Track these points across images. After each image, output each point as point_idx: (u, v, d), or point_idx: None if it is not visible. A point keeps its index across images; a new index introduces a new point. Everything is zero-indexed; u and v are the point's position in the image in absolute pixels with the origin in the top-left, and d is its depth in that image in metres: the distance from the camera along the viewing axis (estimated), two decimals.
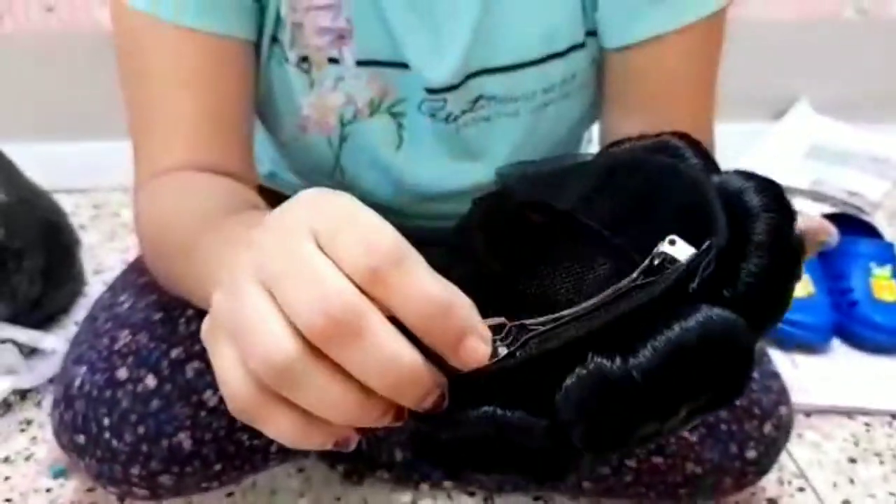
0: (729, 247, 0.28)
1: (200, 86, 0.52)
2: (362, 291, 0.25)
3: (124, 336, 0.52)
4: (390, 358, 0.25)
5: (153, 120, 0.53)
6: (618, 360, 0.26)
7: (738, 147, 1.34)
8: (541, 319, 0.28)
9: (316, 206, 0.27)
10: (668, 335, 0.26)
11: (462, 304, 0.26)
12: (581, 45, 0.56)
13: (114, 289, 0.59)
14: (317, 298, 0.25)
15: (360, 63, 0.55)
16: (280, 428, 0.27)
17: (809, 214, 0.69)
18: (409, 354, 0.26)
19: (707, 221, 0.28)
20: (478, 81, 0.55)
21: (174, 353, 0.52)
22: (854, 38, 1.38)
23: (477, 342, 0.26)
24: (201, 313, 0.50)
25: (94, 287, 0.97)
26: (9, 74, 1.22)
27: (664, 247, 0.28)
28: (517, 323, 0.28)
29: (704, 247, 0.28)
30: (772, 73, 1.41)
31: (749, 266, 0.28)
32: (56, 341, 0.81)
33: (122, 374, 0.50)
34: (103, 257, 1.04)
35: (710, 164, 0.32)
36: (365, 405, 0.26)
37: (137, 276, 0.58)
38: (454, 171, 0.60)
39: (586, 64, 0.58)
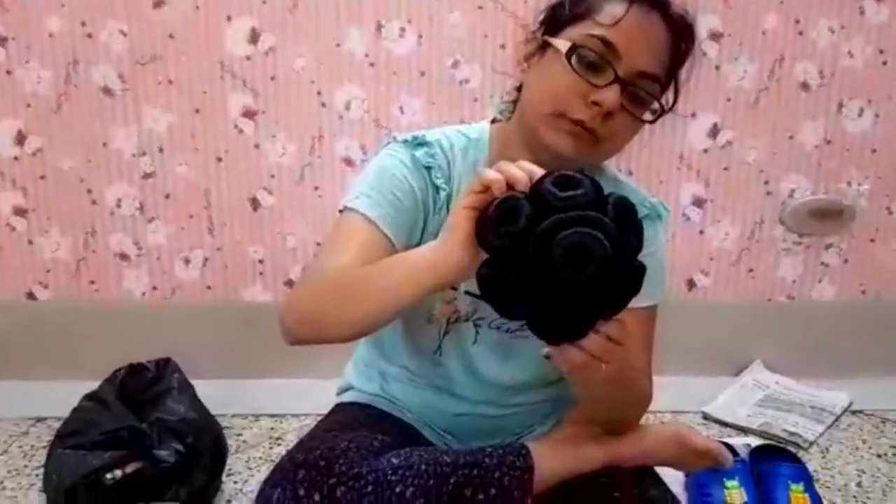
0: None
1: (361, 250, 0.87)
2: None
3: (301, 472, 0.83)
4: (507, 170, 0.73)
5: (334, 247, 0.87)
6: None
7: (706, 395, 1.73)
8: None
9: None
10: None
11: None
12: None
13: (291, 454, 0.90)
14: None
15: (467, 293, 0.96)
16: None
17: (714, 440, 1.04)
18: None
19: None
20: None
21: (331, 481, 0.82)
22: (791, 316, 1.83)
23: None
24: (347, 460, 0.84)
25: (227, 485, 1.35)
26: (173, 331, 1.71)
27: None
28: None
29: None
30: (732, 340, 1.84)
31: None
32: None
33: (301, 492, 0.82)
34: (232, 463, 1.42)
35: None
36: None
37: (311, 443, 0.90)
38: (502, 368, 0.99)
39: None
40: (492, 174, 0.73)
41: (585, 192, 0.68)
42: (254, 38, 1.61)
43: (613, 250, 0.65)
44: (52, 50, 1.60)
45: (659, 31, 0.86)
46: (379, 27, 1.62)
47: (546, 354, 0.77)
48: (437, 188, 0.93)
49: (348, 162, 1.69)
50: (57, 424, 1.36)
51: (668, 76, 0.89)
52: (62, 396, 1.40)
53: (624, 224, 0.68)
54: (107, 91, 1.62)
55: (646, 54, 0.85)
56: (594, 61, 0.84)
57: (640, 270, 0.70)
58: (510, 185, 0.72)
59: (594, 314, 0.70)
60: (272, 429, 1.57)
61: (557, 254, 0.65)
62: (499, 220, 0.69)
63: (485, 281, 0.70)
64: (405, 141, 0.94)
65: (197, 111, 1.64)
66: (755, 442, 1.49)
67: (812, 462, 1.45)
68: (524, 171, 0.72)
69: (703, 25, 1.65)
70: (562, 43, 0.85)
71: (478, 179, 0.73)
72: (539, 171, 0.72)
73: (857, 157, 1.75)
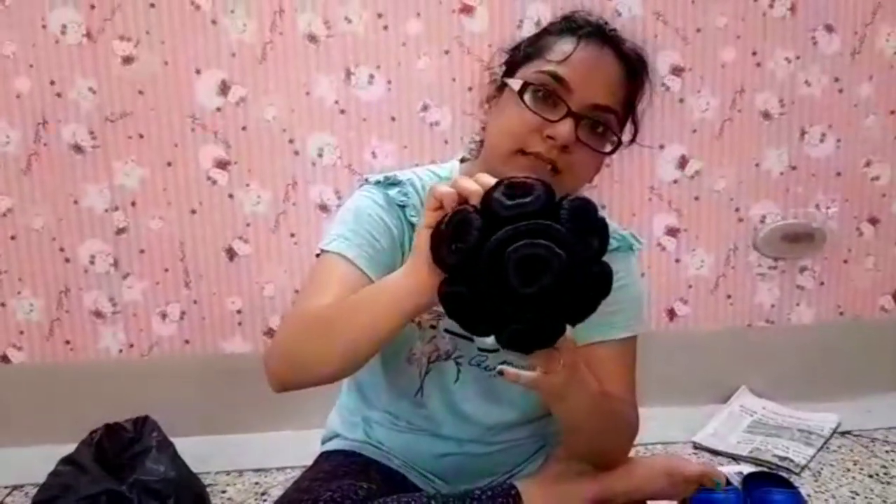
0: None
1: (341, 289, 0.86)
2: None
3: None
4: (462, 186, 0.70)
5: (314, 288, 0.88)
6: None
7: (695, 424, 1.72)
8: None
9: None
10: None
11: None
12: None
13: None
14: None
15: (447, 331, 0.95)
16: None
17: (709, 463, 1.04)
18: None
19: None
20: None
21: None
22: (772, 340, 1.84)
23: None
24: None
25: None
26: (152, 388, 1.68)
27: None
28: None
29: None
30: (717, 367, 1.85)
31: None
32: None
33: None
34: None
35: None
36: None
37: (295, 496, 0.90)
38: (486, 405, 0.98)
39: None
40: (443, 188, 0.72)
41: (536, 198, 0.66)
42: (224, 89, 1.62)
43: (569, 257, 0.64)
44: (20, 110, 1.59)
45: (611, 65, 0.88)
46: (348, 75, 1.64)
47: (499, 371, 0.77)
48: (412, 226, 0.94)
49: (323, 208, 1.69)
50: (34, 491, 1.31)
51: (625, 109, 0.90)
52: (39, 462, 1.35)
53: (581, 227, 0.66)
54: (77, 148, 1.61)
55: (598, 87, 0.86)
56: (546, 97, 0.86)
57: (605, 273, 0.68)
58: (464, 200, 0.71)
59: (559, 322, 0.69)
60: (257, 483, 1.53)
61: (509, 268, 0.64)
62: (450, 237, 0.67)
63: (443, 299, 0.69)
64: (378, 181, 0.96)
65: (169, 164, 1.64)
66: (747, 469, 1.48)
67: (805, 486, 1.44)
68: (479, 184, 0.71)
69: (665, 61, 1.70)
70: (515, 82, 0.88)
71: (431, 195, 0.73)
72: (491, 181, 0.70)
73: (823, 182, 1.79)
